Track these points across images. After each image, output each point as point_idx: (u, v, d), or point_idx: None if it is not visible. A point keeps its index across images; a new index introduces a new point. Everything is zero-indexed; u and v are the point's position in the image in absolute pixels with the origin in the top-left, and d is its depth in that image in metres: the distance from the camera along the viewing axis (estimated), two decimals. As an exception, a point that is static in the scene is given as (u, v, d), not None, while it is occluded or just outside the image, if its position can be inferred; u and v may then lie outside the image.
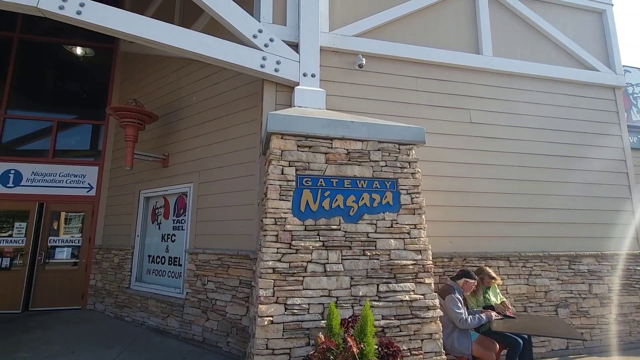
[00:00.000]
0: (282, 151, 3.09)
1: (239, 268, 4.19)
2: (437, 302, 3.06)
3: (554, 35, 5.19)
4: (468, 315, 3.27)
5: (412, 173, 3.32)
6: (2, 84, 6.65)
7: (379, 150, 3.29)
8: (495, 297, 3.74)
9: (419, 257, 3.13)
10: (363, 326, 2.32)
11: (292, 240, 2.90)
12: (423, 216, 3.25)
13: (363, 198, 3.14)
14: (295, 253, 2.89)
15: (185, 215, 5.20)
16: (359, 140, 3.26)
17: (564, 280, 4.48)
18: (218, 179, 4.74)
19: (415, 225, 3.20)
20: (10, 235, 6.24)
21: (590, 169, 4.94)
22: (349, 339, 2.25)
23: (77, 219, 6.69)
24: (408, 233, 3.16)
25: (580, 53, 5.25)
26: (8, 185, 6.31)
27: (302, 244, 2.90)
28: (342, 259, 2.98)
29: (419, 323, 2.97)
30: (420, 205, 3.26)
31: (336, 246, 2.98)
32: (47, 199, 6.41)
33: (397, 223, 3.16)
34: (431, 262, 3.17)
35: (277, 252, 2.85)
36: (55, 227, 6.53)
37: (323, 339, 2.28)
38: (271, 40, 3.92)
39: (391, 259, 3.06)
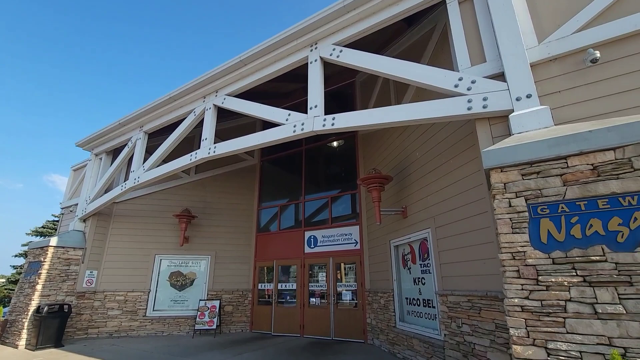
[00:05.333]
0: (504, 184, 3.05)
1: (492, 310, 4.03)
2: None
3: None
4: None
5: None
6: (300, 181, 10.30)
7: (645, 153, 2.54)
8: None
9: None
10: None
11: (538, 275, 2.66)
12: None
13: (636, 218, 2.45)
14: (546, 290, 2.60)
15: (429, 259, 5.66)
16: (609, 149, 2.67)
17: None
18: (452, 221, 4.98)
19: None
20: (317, 282, 8.94)
21: None
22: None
23: (351, 269, 8.66)
24: None
25: None
26: (311, 246, 9.28)
27: (553, 280, 2.59)
28: (620, 298, 2.36)
29: None
30: None
31: (605, 282, 2.43)
32: (332, 254, 8.82)
33: None
34: None
35: (522, 289, 2.69)
36: (339, 276, 8.74)
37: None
38: (473, 82, 4.11)
39: None
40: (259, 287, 9.88)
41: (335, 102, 10.13)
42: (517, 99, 3.75)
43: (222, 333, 9.11)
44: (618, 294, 2.38)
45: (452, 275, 4.98)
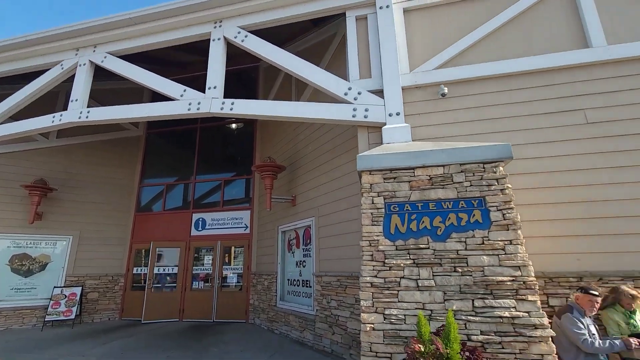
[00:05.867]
0: (371, 184, 3.72)
1: (354, 288, 4.84)
2: (545, 321, 2.91)
3: None
4: (598, 339, 2.92)
5: (500, 189, 3.36)
6: (193, 159, 9.76)
7: (462, 172, 3.51)
8: (643, 325, 3.13)
9: (518, 273, 3.08)
10: (447, 332, 2.57)
11: (385, 258, 3.40)
12: (519, 232, 3.21)
13: (449, 218, 3.39)
14: (389, 270, 3.36)
15: (311, 244, 6.29)
16: (440, 166, 3.57)
17: None
18: (332, 212, 5.67)
19: (510, 241, 3.20)
20: (202, 265, 8.76)
21: None
22: (437, 343, 2.54)
23: (240, 252, 8.80)
24: (502, 249, 3.18)
25: None
26: (199, 229, 8.99)
27: (394, 262, 3.36)
28: (433, 275, 3.26)
29: (525, 342, 2.88)
30: (514, 220, 3.24)
31: (426, 263, 3.30)
32: (221, 238, 8.76)
33: (488, 240, 3.24)
34: (533, 279, 3.05)
35: (373, 269, 3.39)
36: (227, 260, 8.77)
37: (413, 343, 2.64)
38: (359, 93, 4.74)
39: (485, 275, 3.14)
40: (135, 272, 9.05)
41: (238, 83, 9.89)
42: (390, 115, 4.53)
43: (83, 323, 8.07)
44: (432, 272, 3.27)
45: (328, 259, 5.70)
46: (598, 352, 2.87)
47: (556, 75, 4.35)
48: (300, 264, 6.66)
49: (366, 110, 4.63)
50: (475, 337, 2.98)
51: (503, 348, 2.92)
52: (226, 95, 5.42)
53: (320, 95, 5.44)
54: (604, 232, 3.74)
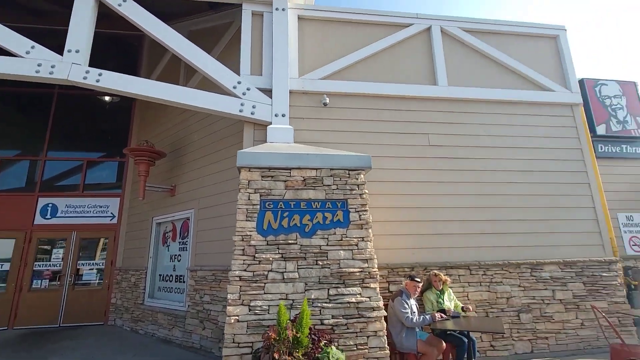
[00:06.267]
0: (249, 181, 3.82)
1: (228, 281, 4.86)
2: (381, 304, 3.57)
3: (508, 62, 5.74)
4: (416, 315, 3.74)
5: (360, 194, 3.93)
6: (44, 132, 7.97)
7: (331, 176, 3.95)
8: (449, 302, 4.15)
9: (365, 265, 3.68)
10: (301, 319, 2.90)
11: (255, 253, 3.56)
12: (369, 230, 3.83)
13: (317, 217, 3.78)
14: (259, 264, 3.54)
15: (188, 238, 6.00)
16: (314, 169, 3.94)
17: (526, 287, 4.80)
18: (212, 205, 5.53)
19: (362, 238, 3.78)
20: (49, 260, 7.29)
21: (552, 181, 5.30)
22: (288, 330, 2.83)
23: (102, 245, 7.67)
24: (356, 245, 3.74)
25: (535, 76, 5.74)
26: (47, 217, 7.45)
27: (264, 256, 3.56)
28: (298, 268, 3.59)
29: (365, 322, 3.48)
30: (367, 221, 3.84)
31: (293, 257, 3.61)
32: (78, 228, 7.46)
33: (346, 237, 3.75)
34: (376, 269, 3.70)
35: (243, 263, 3.51)
36: (86, 254, 7.53)
37: (270, 331, 2.88)
38: (248, 89, 4.77)
39: (340, 267, 3.64)
40: (-61, 270, 6.89)
41: (114, 50, 8.54)
42: (276, 115, 4.72)
43: None
44: (298, 265, 3.60)
45: (205, 253, 5.54)
46: (414, 325, 3.67)
47: (412, 103, 5.30)
48: (175, 258, 6.27)
49: (254, 107, 4.70)
50: (327, 321, 3.43)
51: (348, 329, 3.45)
52: (93, 64, 4.67)
53: (209, 84, 5.22)
54: (431, 232, 4.78)
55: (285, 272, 3.56)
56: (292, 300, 3.47)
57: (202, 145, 6.11)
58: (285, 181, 3.87)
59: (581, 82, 7.57)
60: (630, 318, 4.82)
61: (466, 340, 3.74)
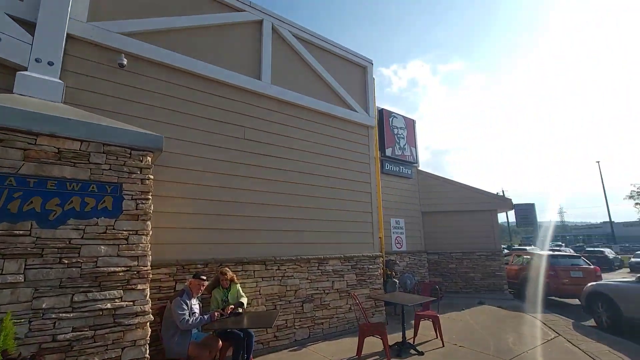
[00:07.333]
0: (-45, 141, 2.56)
1: None
2: (147, 307, 3.07)
3: (327, 78, 6.35)
4: (195, 316, 3.43)
5: (141, 179, 3.31)
6: None
7: (104, 153, 3.15)
8: (232, 299, 4.05)
9: (134, 263, 3.10)
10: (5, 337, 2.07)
11: (-56, 248, 2.38)
12: (148, 222, 3.26)
13: (72, 202, 2.91)
14: (-52, 264, 2.38)
15: None
16: (78, 140, 3.03)
17: (313, 279, 5.34)
18: None
19: (136, 231, 3.17)
20: None
21: (344, 187, 6.16)
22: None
23: None
24: (125, 239, 3.10)
25: (345, 96, 6.59)
26: None
27: (-39, 253, 2.43)
28: (26, 268, 2.63)
29: (122, 331, 2.90)
30: (146, 211, 3.26)
31: (18, 254, 2.63)
32: None
33: (113, 229, 3.05)
34: (148, 268, 3.18)
35: None
36: None
37: None
38: (-9, 12, 3.30)
39: (97, 266, 2.91)
40: None
41: None
42: (37, 60, 3.46)
43: None
44: (25, 265, 2.64)
45: None
46: (189, 327, 3.36)
47: (232, 92, 5.05)
48: None
49: (-2, 40, 3.28)
50: (64, 335, 2.65)
51: (95, 342, 2.77)
52: None
53: None
54: (230, 227, 4.63)
55: (2, 274, 2.54)
56: (6, 313, 2.49)
57: None
58: (25, 150, 2.80)
59: (380, 111, 9.39)
60: (382, 301, 6.12)
61: (243, 335, 3.72)
